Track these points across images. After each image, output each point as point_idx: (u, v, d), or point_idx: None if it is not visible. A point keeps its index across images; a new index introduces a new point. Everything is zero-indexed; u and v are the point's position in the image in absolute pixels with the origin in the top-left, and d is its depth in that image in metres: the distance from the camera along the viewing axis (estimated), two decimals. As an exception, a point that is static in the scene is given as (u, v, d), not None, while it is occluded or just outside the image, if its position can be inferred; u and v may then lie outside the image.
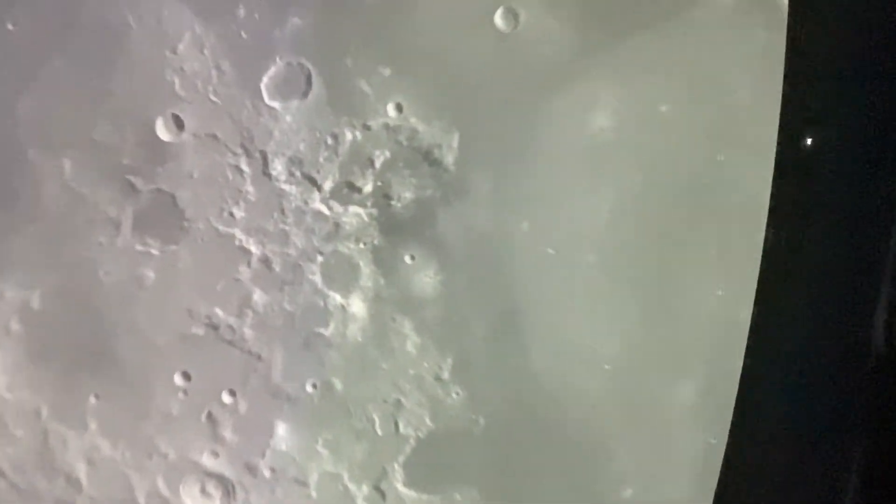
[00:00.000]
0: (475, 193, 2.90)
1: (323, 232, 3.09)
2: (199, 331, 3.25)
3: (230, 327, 3.23)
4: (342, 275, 3.08)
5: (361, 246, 3.04)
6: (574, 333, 2.75)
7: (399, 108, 2.95)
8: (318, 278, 3.09)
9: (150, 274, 3.31)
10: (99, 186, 3.26)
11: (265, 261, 3.17)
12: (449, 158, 2.93)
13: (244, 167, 3.15)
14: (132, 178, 3.28)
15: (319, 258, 3.09)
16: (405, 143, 2.96)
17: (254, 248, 3.19)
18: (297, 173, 3.11)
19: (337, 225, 3.11)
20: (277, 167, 3.13)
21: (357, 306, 3.05)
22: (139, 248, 3.33)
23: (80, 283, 3.21)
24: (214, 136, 3.19)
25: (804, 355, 1.50)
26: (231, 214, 3.17)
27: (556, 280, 2.82)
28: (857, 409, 1.34)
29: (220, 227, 3.19)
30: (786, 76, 1.55)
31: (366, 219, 3.06)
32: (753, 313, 1.62)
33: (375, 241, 3.03)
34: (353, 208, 3.09)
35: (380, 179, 3.00)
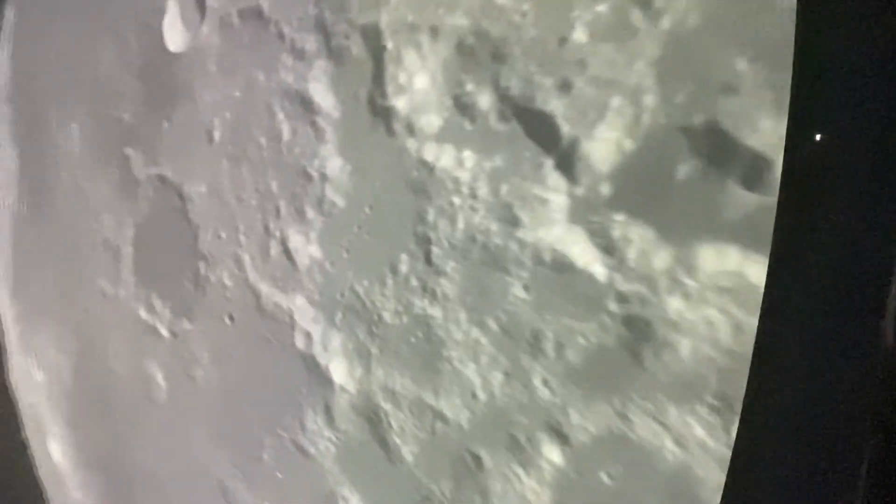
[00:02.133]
0: None
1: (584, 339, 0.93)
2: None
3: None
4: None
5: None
6: None
7: None
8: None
9: (160, 379, 1.88)
10: (98, 171, 2.04)
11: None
12: None
13: (325, 102, 1.17)
14: (131, 153, 1.89)
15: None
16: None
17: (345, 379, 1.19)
18: (519, 116, 0.96)
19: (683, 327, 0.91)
20: (430, 100, 1.06)
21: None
22: (144, 315, 1.88)
23: (93, 362, 2.11)
24: (258, 13, 1.28)
25: (813, 350, 1.09)
26: (286, 252, 1.23)
27: None
28: (867, 405, 1.03)
29: (263, 289, 1.31)
30: (794, 72, 1.09)
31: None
32: (761, 310, 1.13)
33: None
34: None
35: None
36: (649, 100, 0.88)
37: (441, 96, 1.03)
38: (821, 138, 1.29)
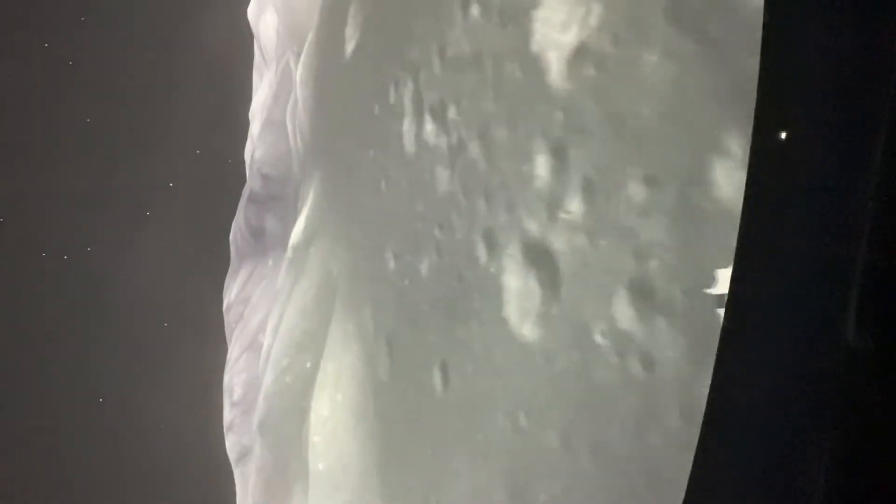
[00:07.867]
0: None
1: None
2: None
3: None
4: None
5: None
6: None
7: None
8: None
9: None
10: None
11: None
12: None
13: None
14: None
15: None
16: None
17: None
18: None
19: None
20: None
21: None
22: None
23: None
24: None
25: (776, 348, 1.40)
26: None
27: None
28: (829, 401, 1.27)
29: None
30: (760, 73, 1.41)
31: None
32: (726, 307, 1.42)
33: None
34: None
35: None
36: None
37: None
38: (786, 137, 1.33)
